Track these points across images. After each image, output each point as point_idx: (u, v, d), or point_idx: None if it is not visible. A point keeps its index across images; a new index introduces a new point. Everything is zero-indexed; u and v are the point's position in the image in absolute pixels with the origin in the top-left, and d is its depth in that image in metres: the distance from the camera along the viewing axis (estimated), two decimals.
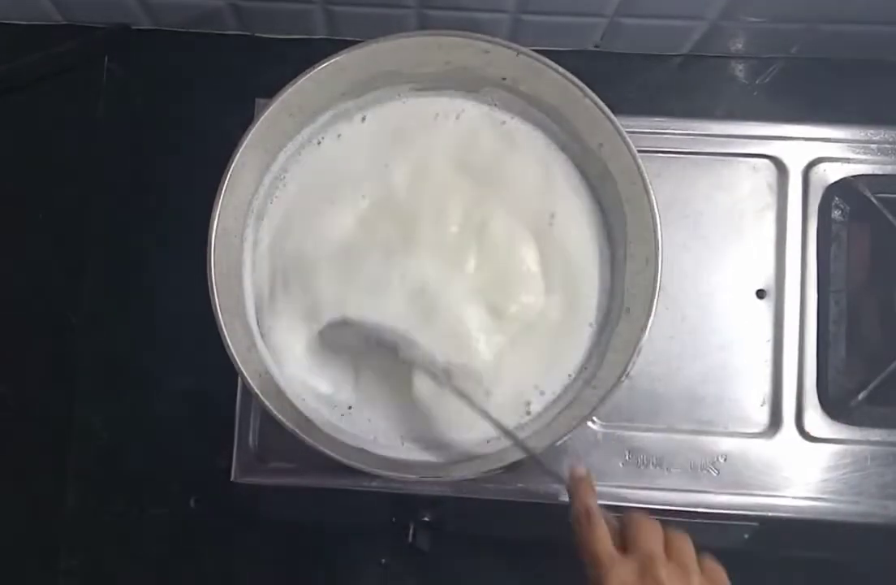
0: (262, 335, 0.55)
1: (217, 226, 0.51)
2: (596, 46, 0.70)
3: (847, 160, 0.61)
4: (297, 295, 0.56)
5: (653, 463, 0.58)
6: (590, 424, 0.59)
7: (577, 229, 0.57)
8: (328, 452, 0.50)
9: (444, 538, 0.60)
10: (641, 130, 0.60)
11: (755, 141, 0.61)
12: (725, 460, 0.58)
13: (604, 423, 0.58)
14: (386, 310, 0.55)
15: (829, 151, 0.61)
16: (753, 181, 0.61)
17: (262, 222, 0.57)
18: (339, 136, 0.57)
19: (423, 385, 0.54)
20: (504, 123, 0.58)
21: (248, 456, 0.58)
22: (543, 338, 0.56)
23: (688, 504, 0.57)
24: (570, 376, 0.56)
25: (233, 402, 0.58)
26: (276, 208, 0.57)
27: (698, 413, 0.59)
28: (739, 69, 0.71)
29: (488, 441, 0.54)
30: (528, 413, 0.55)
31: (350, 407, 0.56)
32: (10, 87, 0.70)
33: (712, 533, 0.59)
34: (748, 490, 0.58)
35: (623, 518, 0.48)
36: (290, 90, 0.52)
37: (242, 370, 0.50)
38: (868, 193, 0.60)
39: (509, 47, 0.53)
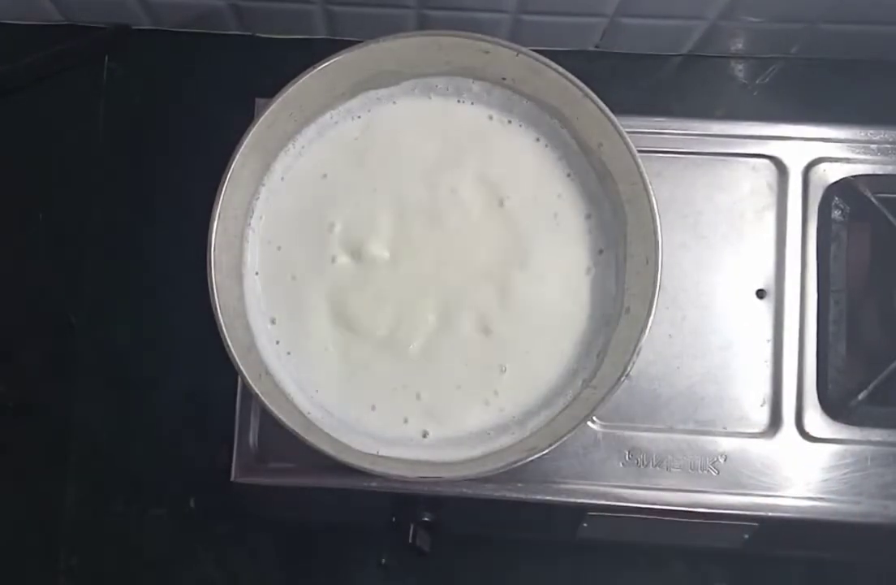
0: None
1: (217, 226, 0.51)
2: (596, 46, 0.70)
3: (847, 160, 0.61)
4: None
5: (653, 463, 0.58)
6: (590, 424, 0.58)
7: (577, 229, 0.57)
8: (329, 452, 0.50)
9: (444, 538, 0.60)
10: (641, 129, 0.60)
11: (755, 141, 0.61)
12: (725, 460, 0.58)
13: (604, 423, 0.58)
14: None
15: (829, 151, 0.61)
16: (753, 181, 0.61)
17: (262, 221, 0.57)
18: (339, 135, 0.57)
19: None
20: (509, 122, 0.58)
21: (248, 456, 0.58)
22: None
23: (687, 504, 0.57)
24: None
25: (233, 402, 0.58)
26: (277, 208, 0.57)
27: (698, 413, 0.59)
28: (739, 69, 0.71)
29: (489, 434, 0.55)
30: None
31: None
32: (10, 87, 0.70)
33: (712, 534, 0.59)
34: (748, 490, 0.58)
35: None
36: (290, 90, 0.52)
37: (242, 370, 0.50)
38: (868, 193, 0.60)
39: (509, 47, 0.53)
